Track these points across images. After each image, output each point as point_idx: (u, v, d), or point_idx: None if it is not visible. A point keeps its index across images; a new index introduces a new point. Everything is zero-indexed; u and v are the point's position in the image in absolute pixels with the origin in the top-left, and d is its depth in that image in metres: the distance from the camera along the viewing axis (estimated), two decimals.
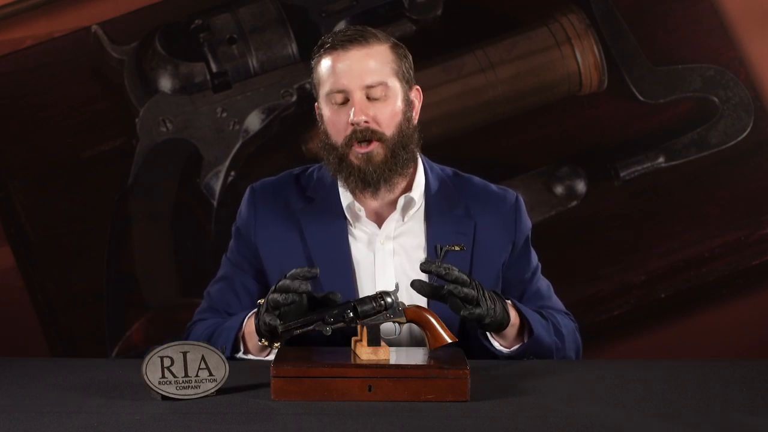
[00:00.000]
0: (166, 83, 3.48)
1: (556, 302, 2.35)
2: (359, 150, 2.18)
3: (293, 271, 1.97)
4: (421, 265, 2.01)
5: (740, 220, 3.48)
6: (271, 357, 2.11)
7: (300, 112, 3.47)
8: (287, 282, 1.96)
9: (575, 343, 2.30)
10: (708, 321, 3.49)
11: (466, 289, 2.01)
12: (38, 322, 3.50)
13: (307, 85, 3.46)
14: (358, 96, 2.17)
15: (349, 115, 2.16)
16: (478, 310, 2.03)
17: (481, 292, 2.05)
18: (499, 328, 2.13)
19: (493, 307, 2.08)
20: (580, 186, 3.49)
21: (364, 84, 2.17)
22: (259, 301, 2.02)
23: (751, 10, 3.45)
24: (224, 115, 3.48)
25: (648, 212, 3.49)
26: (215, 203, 3.48)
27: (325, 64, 2.21)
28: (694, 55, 3.47)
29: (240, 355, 2.15)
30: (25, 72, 3.47)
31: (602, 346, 3.41)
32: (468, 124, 3.44)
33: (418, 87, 2.27)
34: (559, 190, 3.49)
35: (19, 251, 3.50)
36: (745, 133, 3.48)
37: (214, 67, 3.47)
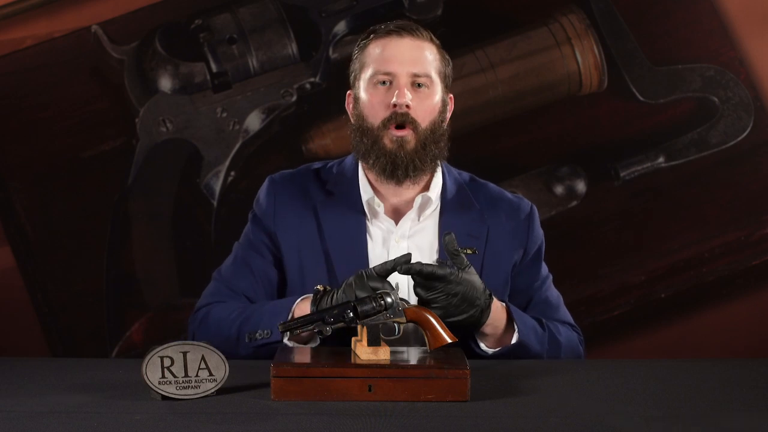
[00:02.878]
0: (166, 83, 3.48)
1: (564, 314, 2.35)
2: (395, 133, 2.20)
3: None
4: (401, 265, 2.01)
5: (740, 220, 3.48)
6: (312, 345, 2.12)
7: (300, 112, 3.47)
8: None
9: (575, 355, 2.29)
10: (708, 321, 3.49)
11: (431, 269, 2.01)
12: (38, 322, 3.50)
13: (307, 86, 3.46)
14: (404, 80, 2.20)
15: (392, 97, 2.19)
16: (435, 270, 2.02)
17: (457, 276, 2.04)
18: (474, 324, 2.11)
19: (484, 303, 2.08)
20: (580, 186, 3.49)
21: (412, 71, 2.21)
22: (317, 287, 2.01)
23: (751, 10, 3.45)
24: (224, 115, 3.48)
25: (648, 212, 3.49)
26: (215, 203, 3.48)
27: (374, 48, 2.24)
28: (694, 55, 3.47)
29: (286, 341, 2.10)
30: (25, 72, 3.47)
31: (602, 346, 3.41)
32: (468, 124, 3.44)
33: (452, 95, 2.31)
34: (559, 190, 3.49)
35: (19, 251, 3.50)
36: (745, 133, 3.48)
37: (214, 67, 3.47)
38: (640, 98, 3.48)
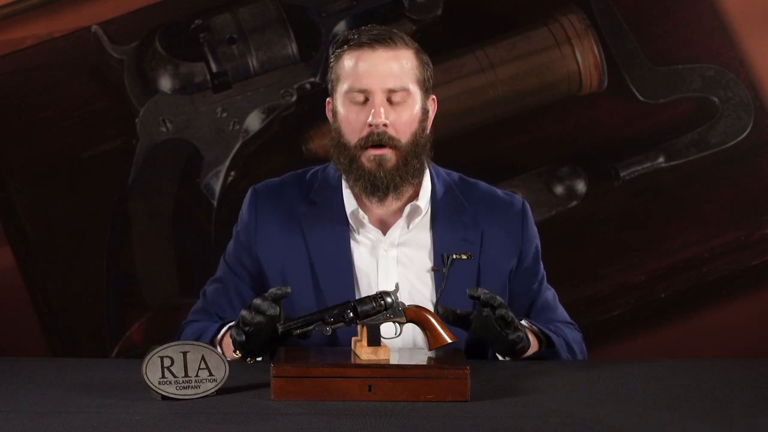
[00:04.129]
0: (166, 83, 3.48)
1: (562, 312, 2.34)
2: (372, 152, 2.15)
3: (270, 290, 2.01)
4: (469, 290, 2.03)
5: (740, 220, 3.48)
6: (252, 362, 2.11)
7: (300, 112, 3.47)
8: (258, 302, 1.99)
9: (583, 355, 2.30)
10: (708, 321, 3.49)
11: (511, 312, 2.04)
12: (38, 322, 3.50)
13: (307, 86, 3.46)
14: (379, 98, 2.14)
15: (368, 115, 2.14)
16: (519, 333, 2.07)
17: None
18: (523, 352, 2.14)
19: (523, 330, 2.12)
20: (580, 186, 3.49)
21: (387, 87, 2.14)
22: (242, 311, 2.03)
23: (751, 10, 3.45)
24: (224, 115, 3.48)
25: (648, 212, 3.49)
26: (215, 203, 3.48)
27: (348, 60, 2.17)
28: (694, 55, 3.47)
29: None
30: (25, 72, 3.47)
31: (602, 346, 3.40)
32: (468, 124, 3.44)
33: (434, 97, 2.25)
34: (559, 190, 3.49)
35: (19, 251, 3.50)
36: (745, 133, 3.48)
37: (214, 67, 3.47)
38: (640, 98, 3.48)
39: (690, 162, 3.49)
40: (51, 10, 3.45)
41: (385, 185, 2.16)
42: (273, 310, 1.98)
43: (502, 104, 3.48)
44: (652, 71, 3.48)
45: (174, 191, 3.50)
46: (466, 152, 3.36)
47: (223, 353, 2.12)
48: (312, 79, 3.46)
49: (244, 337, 2.01)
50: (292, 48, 3.46)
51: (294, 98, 3.47)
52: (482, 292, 2.03)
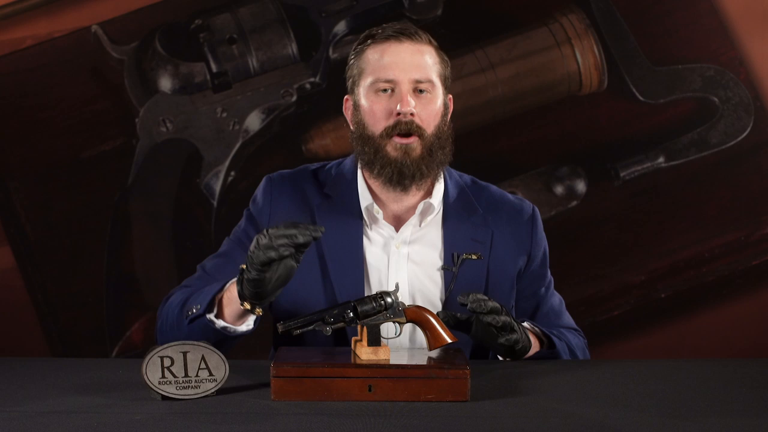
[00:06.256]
0: (166, 83, 3.48)
1: (568, 319, 2.35)
2: (399, 140, 2.17)
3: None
4: (459, 298, 2.04)
5: (740, 220, 3.49)
6: (245, 328, 2.06)
7: (300, 112, 3.47)
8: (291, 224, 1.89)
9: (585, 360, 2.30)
10: (708, 321, 3.49)
11: (502, 318, 2.04)
12: (38, 322, 3.51)
13: (307, 86, 3.46)
14: (406, 87, 2.17)
15: (394, 105, 2.16)
16: (514, 336, 2.07)
17: (512, 317, 2.08)
18: (524, 354, 2.14)
19: (524, 332, 2.11)
20: (580, 186, 3.49)
21: (414, 77, 2.17)
22: (241, 266, 1.94)
23: (751, 10, 3.46)
24: (224, 115, 3.48)
25: (648, 212, 3.50)
26: (215, 203, 3.48)
27: (373, 54, 2.20)
28: (694, 55, 3.48)
29: (210, 316, 2.05)
30: (25, 72, 3.47)
31: (602, 346, 3.41)
32: (468, 124, 3.44)
33: (451, 96, 2.28)
34: (559, 190, 3.49)
35: (19, 251, 3.50)
36: (745, 133, 3.48)
37: (214, 67, 3.47)
38: (640, 98, 3.48)
39: (690, 162, 3.49)
40: (51, 10, 3.46)
41: (411, 173, 2.18)
42: (316, 232, 1.89)
43: (502, 104, 3.48)
44: (652, 71, 3.48)
45: (174, 191, 3.51)
46: (466, 152, 3.35)
47: (221, 306, 2.06)
48: (312, 79, 3.46)
49: (274, 253, 1.86)
50: (292, 48, 3.46)
51: (294, 98, 3.47)
52: (471, 300, 2.03)
